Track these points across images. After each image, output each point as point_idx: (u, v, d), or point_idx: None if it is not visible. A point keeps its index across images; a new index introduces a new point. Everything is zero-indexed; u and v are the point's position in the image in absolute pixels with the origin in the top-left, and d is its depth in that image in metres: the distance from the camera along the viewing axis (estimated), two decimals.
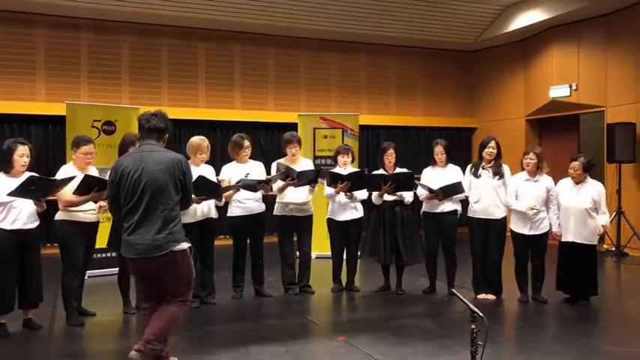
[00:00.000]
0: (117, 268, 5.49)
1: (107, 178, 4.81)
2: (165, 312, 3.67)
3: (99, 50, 9.40)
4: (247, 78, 10.35)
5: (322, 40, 10.73)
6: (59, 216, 4.93)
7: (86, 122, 7.16)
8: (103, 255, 6.90)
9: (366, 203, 6.28)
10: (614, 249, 8.80)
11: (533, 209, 5.61)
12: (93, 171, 5.13)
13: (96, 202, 4.90)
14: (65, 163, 5.34)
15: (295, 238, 6.26)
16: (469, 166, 6.09)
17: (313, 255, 7.11)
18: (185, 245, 3.69)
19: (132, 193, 3.60)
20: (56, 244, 5.19)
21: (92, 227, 5.08)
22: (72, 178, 4.69)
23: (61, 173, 4.91)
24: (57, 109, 8.12)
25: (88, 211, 4.95)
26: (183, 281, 3.72)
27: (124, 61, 9.58)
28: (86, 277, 6.16)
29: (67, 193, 4.72)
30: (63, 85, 9.12)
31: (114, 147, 6.36)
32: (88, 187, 4.69)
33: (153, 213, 3.58)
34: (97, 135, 7.14)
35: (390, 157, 6.11)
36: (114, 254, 6.68)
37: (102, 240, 5.46)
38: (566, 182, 5.77)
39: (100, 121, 7.29)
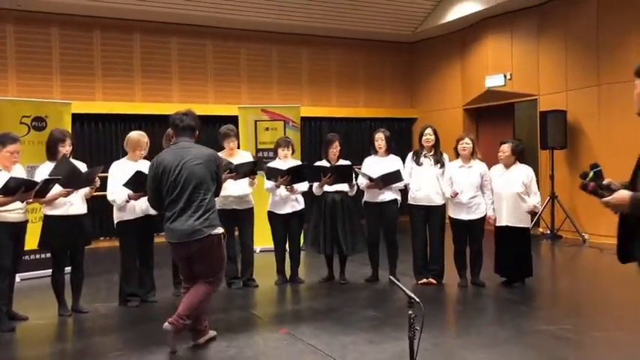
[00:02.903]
0: (50, 270, 5.28)
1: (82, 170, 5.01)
2: (195, 290, 4.15)
3: (28, 43, 8.99)
4: (185, 71, 10.15)
5: (263, 32, 10.64)
6: None
7: (14, 118, 6.82)
8: (35, 256, 6.63)
9: (308, 194, 6.28)
10: (548, 232, 9.15)
11: (455, 195, 5.77)
12: (18, 169, 4.92)
13: (23, 201, 4.68)
14: None
15: (237, 232, 6.18)
16: (410, 154, 6.19)
17: (257, 248, 7.07)
18: (220, 230, 4.18)
19: (174, 186, 4.06)
20: None
21: (20, 227, 4.84)
22: None
23: None
24: None
25: (15, 210, 4.71)
26: (215, 262, 4.19)
27: (55, 54, 9.20)
28: (18, 280, 5.91)
29: None
30: None
31: (45, 144, 6.10)
32: (14, 188, 4.46)
33: (194, 203, 4.05)
34: (27, 131, 6.82)
35: (335, 149, 6.14)
36: (47, 255, 6.44)
37: (33, 241, 5.23)
38: (497, 168, 5.95)
39: (29, 117, 6.96)
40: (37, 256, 6.65)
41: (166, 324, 4.05)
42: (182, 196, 4.05)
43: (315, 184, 6.06)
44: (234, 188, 5.88)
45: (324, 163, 6.16)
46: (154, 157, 4.34)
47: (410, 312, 3.07)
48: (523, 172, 5.81)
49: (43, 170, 4.99)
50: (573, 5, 9.01)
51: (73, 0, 8.54)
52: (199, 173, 4.08)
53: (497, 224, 5.85)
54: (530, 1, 9.39)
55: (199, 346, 4.26)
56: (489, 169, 5.95)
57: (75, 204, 5.10)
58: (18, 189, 4.44)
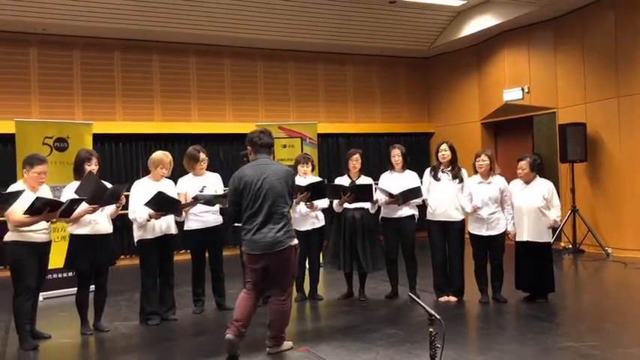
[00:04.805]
0: (74, 288, 5.34)
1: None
2: (276, 313, 4.48)
3: (50, 65, 9.19)
4: (204, 89, 10.28)
5: (279, 50, 10.76)
6: (9, 237, 4.75)
7: (37, 139, 6.96)
8: (60, 275, 6.72)
9: (328, 211, 6.28)
10: (570, 246, 9.03)
11: (475, 210, 5.74)
12: (45, 190, 4.99)
13: (48, 221, 4.76)
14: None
15: None
16: (428, 170, 6.17)
17: None
18: (296, 241, 4.46)
19: (254, 200, 4.30)
20: (7, 266, 5.00)
21: (44, 247, 4.91)
22: (20, 192, 4.53)
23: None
24: (6, 126, 7.86)
25: (40, 230, 4.79)
26: (291, 270, 4.50)
27: (76, 76, 9.38)
28: (42, 299, 6.00)
29: (18, 213, 4.55)
30: (13, 102, 8.86)
31: (67, 164, 6.21)
32: (40, 208, 4.53)
33: (274, 215, 4.30)
34: (49, 152, 6.94)
35: (355, 162, 6.15)
36: (70, 274, 6.54)
37: (59, 259, 5.29)
38: (517, 183, 5.90)
39: (51, 137, 7.09)
40: (60, 275, 6.73)
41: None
42: (262, 209, 4.28)
43: (336, 202, 6.07)
44: None
45: (344, 178, 6.18)
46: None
47: (430, 329, 3.06)
48: (544, 187, 5.76)
49: (71, 189, 5.05)
50: (590, 17, 8.97)
51: (95, 23, 8.73)
52: (278, 188, 4.33)
53: (518, 239, 5.80)
54: (546, 14, 9.37)
55: None
56: (509, 183, 5.92)
57: (101, 223, 5.15)
58: (44, 209, 4.52)
